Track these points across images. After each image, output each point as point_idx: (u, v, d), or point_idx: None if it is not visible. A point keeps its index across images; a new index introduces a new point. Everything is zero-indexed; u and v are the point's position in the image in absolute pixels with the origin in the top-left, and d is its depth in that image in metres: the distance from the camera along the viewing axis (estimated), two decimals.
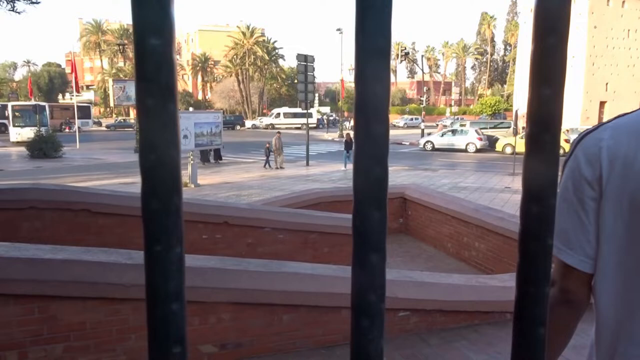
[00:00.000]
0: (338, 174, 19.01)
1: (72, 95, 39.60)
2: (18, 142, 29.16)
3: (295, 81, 34.22)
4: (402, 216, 8.62)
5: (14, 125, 31.14)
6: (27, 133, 27.68)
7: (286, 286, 3.43)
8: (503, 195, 13.57)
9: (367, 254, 0.46)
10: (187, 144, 15.57)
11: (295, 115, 53.57)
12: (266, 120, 52.96)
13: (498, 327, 3.79)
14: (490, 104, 57.51)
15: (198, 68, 77.57)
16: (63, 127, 41.75)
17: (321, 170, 20.15)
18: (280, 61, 74.05)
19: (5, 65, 79.99)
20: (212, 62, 77.33)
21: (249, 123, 54.73)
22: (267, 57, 69.54)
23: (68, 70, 67.84)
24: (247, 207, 6.57)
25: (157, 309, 0.42)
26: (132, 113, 34.24)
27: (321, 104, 77.10)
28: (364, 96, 0.44)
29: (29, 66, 71.08)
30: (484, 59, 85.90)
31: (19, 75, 78.53)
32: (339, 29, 40.40)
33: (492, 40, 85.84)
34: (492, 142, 28.58)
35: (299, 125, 49.79)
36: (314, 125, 51.55)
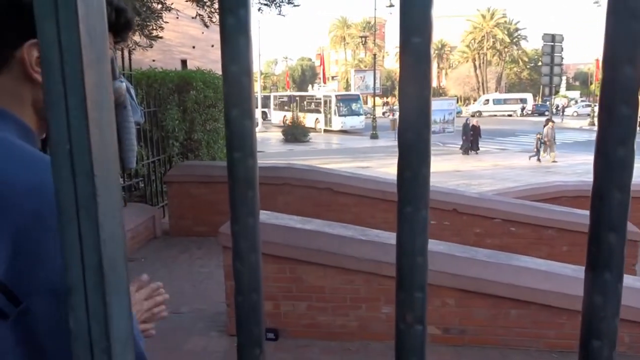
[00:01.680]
0: (584, 167, 16.89)
1: (320, 86, 43.83)
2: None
3: (539, 64, 31.42)
4: None
5: (339, 115, 33.05)
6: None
7: (515, 280, 3.28)
8: None
9: (605, 235, 0.48)
10: None
11: (505, 101, 49.22)
12: (473, 108, 48.94)
13: None
14: None
15: (434, 55, 77.23)
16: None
17: (564, 161, 18.19)
18: (523, 43, 68.73)
19: (269, 62, 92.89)
20: (449, 49, 76.28)
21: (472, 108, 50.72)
22: (507, 40, 65.37)
23: (317, 63, 75.25)
24: (476, 195, 6.42)
25: (404, 259, 0.52)
26: (370, 101, 36.15)
27: (569, 87, 69.00)
28: (612, 77, 0.45)
29: (286, 61, 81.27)
30: None
31: (278, 69, 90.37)
32: (596, 1, 35.45)
33: None
34: None
35: (510, 113, 45.58)
36: (529, 112, 46.30)
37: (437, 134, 16.94)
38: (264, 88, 64.27)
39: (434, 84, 78.72)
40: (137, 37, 7.53)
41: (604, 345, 0.48)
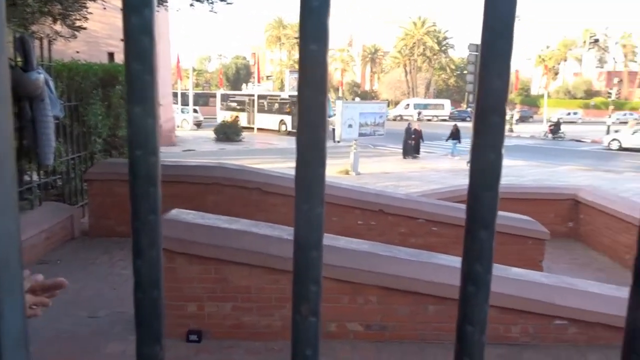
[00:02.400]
0: (505, 170, 17.93)
1: (254, 85, 43.46)
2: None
3: (465, 72, 32.97)
4: (573, 220, 7.87)
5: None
6: None
7: (434, 277, 3.44)
8: None
9: (478, 231, 0.53)
10: (351, 133, 16.13)
11: (426, 106, 51.13)
12: (394, 112, 49.25)
13: None
14: None
15: (367, 59, 79.21)
16: None
17: None
18: (451, 51, 71.80)
19: (202, 59, 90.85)
20: (382, 54, 78.21)
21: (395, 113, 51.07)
22: (437, 47, 68.01)
23: (252, 62, 74.58)
24: (403, 197, 6.65)
25: (300, 254, 0.55)
26: None
27: None
28: (484, 90, 0.51)
29: (220, 59, 79.96)
30: None
31: (212, 67, 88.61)
32: (517, 17, 37.73)
33: None
34: None
35: (430, 118, 47.19)
36: (445, 117, 48.73)
37: (368, 137, 17.27)
38: (196, 85, 62.78)
39: (367, 87, 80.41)
40: (58, 27, 7.13)
41: (476, 330, 0.53)
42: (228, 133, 26.18)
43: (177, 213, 3.75)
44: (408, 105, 51.21)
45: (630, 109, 50.56)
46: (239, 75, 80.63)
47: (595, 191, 8.18)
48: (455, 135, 21.88)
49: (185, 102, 36.61)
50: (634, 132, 26.06)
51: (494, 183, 0.51)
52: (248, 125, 32.24)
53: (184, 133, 30.34)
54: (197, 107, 37.36)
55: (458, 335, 0.54)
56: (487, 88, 0.51)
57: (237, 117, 31.83)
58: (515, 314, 3.42)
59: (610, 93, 38.10)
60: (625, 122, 37.10)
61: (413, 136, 21.13)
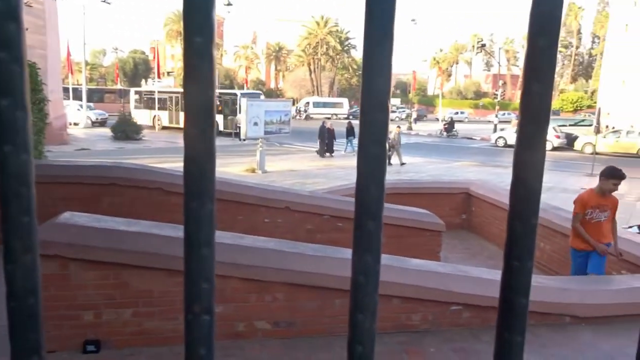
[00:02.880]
0: (403, 167, 18.84)
1: (154, 81, 41.68)
2: None
3: None
4: (465, 212, 8.47)
5: None
6: None
7: (340, 272, 3.53)
8: None
9: (366, 223, 0.55)
10: (257, 131, 16.03)
11: (325, 104, 52.64)
12: (293, 109, 51.24)
13: (554, 329, 3.69)
14: (572, 100, 54.37)
15: (272, 57, 79.07)
16: None
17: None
18: (353, 51, 73.82)
19: (96, 52, 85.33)
20: (286, 52, 78.49)
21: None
22: (339, 47, 69.59)
23: (152, 57, 71.49)
24: (308, 194, 6.74)
25: (190, 251, 0.54)
26: None
27: (392, 95, 76.00)
28: (368, 85, 0.53)
29: (116, 53, 75.56)
30: (569, 52, 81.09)
31: (107, 61, 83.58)
32: (413, 20, 39.76)
33: (579, 32, 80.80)
34: (570, 140, 27.15)
35: (329, 116, 47.48)
36: (345, 115, 50.35)
37: (274, 134, 17.28)
38: (90, 80, 58.90)
39: (272, 84, 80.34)
40: None
41: (366, 318, 0.55)
42: (127, 131, 24.84)
43: (69, 216, 3.49)
44: (308, 103, 51.94)
45: (513, 109, 55.27)
46: (138, 71, 76.85)
47: (484, 185, 8.86)
48: (349, 132, 22.84)
49: (77, 98, 34.22)
50: (517, 130, 28.53)
51: (380, 176, 0.54)
52: (172, 125, 30.80)
53: (78, 131, 28.39)
54: (91, 104, 35.09)
55: (350, 324, 0.56)
56: (371, 86, 0.52)
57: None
58: (416, 303, 3.60)
59: (496, 94, 41.45)
60: (508, 122, 40.77)
61: (327, 135, 21.55)
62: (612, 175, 4.79)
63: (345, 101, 55.08)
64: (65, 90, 29.83)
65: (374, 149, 0.53)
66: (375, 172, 0.54)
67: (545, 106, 0.53)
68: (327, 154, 21.45)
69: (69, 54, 34.27)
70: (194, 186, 0.53)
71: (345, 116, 49.67)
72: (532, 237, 0.55)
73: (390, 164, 18.77)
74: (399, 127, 21.07)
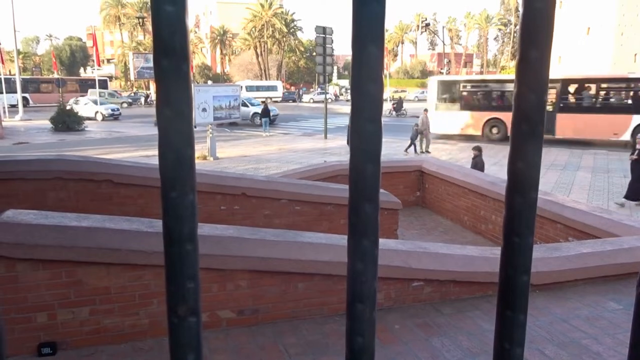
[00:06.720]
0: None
1: (94, 69, 39.86)
2: None
3: (314, 54, 33.91)
4: (419, 189, 8.63)
5: None
6: None
7: (301, 255, 3.50)
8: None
9: (362, 205, 0.51)
10: (206, 117, 15.66)
11: (259, 88, 52.48)
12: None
13: None
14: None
15: (216, 41, 77.26)
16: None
17: (339, 143, 20.11)
18: (299, 34, 73.33)
19: (28, 40, 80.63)
20: (231, 35, 76.89)
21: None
22: (285, 30, 68.90)
23: (90, 44, 68.28)
24: (264, 179, 6.65)
25: (172, 248, 0.48)
26: (153, 86, 34.43)
27: (340, 77, 76.13)
28: (359, 57, 0.48)
29: (51, 40, 71.68)
30: (508, 30, 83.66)
31: (41, 49, 79.17)
32: None
33: (517, 10, 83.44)
34: None
35: (263, 99, 49.14)
36: (279, 98, 50.58)
37: (224, 120, 16.95)
38: (24, 70, 55.77)
39: (218, 69, 78.66)
40: None
41: (366, 307, 0.52)
42: (68, 122, 23.72)
43: (13, 214, 3.28)
44: (241, 87, 51.49)
45: None
46: (75, 58, 73.36)
47: (436, 162, 9.04)
48: (264, 113, 24.18)
49: (11, 90, 32.30)
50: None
51: (376, 155, 0.50)
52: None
53: (13, 124, 26.85)
54: (27, 95, 33.21)
55: (349, 314, 0.52)
56: (362, 56, 0.48)
57: None
58: (380, 282, 3.63)
59: (442, 72, 42.31)
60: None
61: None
62: None
63: (279, 84, 55.57)
64: None
65: (367, 124, 0.49)
66: (371, 150, 0.50)
67: (543, 74, 0.51)
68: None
69: None
70: (171, 175, 0.47)
71: (280, 99, 49.96)
72: (532, 212, 0.53)
73: (417, 152, 17.53)
74: (426, 110, 19.05)
